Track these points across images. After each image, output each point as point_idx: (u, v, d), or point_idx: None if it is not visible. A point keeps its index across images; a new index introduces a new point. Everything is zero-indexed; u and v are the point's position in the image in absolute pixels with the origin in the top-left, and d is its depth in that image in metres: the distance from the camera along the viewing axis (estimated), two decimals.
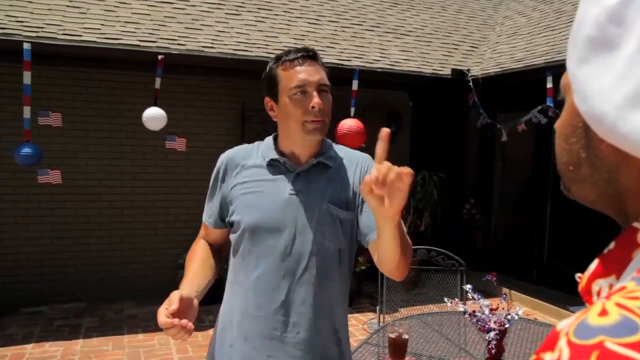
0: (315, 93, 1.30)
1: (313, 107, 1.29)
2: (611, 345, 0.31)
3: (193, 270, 1.38)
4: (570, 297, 4.62)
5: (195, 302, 1.25)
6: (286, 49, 1.43)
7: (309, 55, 1.33)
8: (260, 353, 1.34)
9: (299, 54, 1.33)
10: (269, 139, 1.44)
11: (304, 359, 1.34)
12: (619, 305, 0.33)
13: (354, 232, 1.40)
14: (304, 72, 1.31)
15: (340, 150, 1.45)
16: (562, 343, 0.34)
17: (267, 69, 1.38)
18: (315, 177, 1.37)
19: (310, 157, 1.38)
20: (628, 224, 0.41)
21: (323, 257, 1.35)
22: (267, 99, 1.39)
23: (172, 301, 1.17)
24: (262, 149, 1.42)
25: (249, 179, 1.38)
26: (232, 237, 1.43)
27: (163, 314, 1.15)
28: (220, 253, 1.51)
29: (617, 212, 0.44)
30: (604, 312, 0.33)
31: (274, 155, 1.38)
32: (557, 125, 0.47)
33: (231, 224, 1.42)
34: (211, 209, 1.46)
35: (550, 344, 0.36)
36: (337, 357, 1.40)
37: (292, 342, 1.34)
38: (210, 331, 4.35)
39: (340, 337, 1.41)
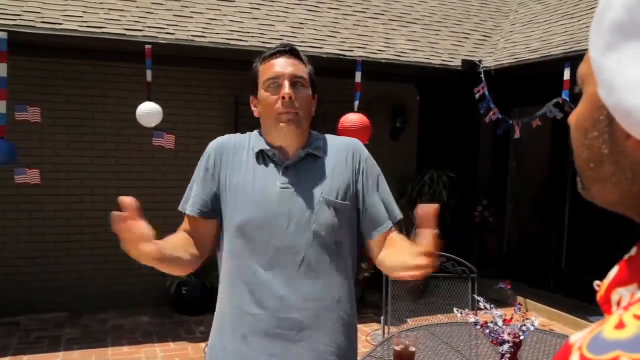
0: (286, 83, 1.40)
1: (283, 98, 1.38)
2: None
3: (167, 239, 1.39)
4: (590, 307, 4.62)
5: (151, 239, 1.25)
6: (283, 38, 1.50)
7: (286, 51, 1.46)
8: (260, 353, 1.38)
9: (277, 50, 1.47)
10: (257, 131, 1.53)
11: (308, 357, 1.38)
12: (637, 317, 0.33)
13: (353, 224, 1.48)
14: (278, 65, 1.43)
15: (329, 139, 1.53)
16: (575, 358, 0.34)
17: (252, 69, 1.50)
18: (306, 169, 1.45)
19: (298, 150, 1.45)
20: None
21: (321, 249, 1.41)
22: (251, 97, 1.51)
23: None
24: (253, 140, 1.50)
25: (240, 171, 1.45)
26: (223, 233, 1.47)
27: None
28: (201, 250, 1.48)
29: None
30: (621, 325, 0.33)
31: (264, 146, 1.46)
32: (573, 118, 0.46)
33: (221, 219, 1.46)
34: (199, 197, 1.47)
35: (562, 359, 0.35)
36: (347, 350, 1.46)
37: (294, 339, 1.38)
38: (202, 344, 4.35)
39: (349, 331, 1.48)
